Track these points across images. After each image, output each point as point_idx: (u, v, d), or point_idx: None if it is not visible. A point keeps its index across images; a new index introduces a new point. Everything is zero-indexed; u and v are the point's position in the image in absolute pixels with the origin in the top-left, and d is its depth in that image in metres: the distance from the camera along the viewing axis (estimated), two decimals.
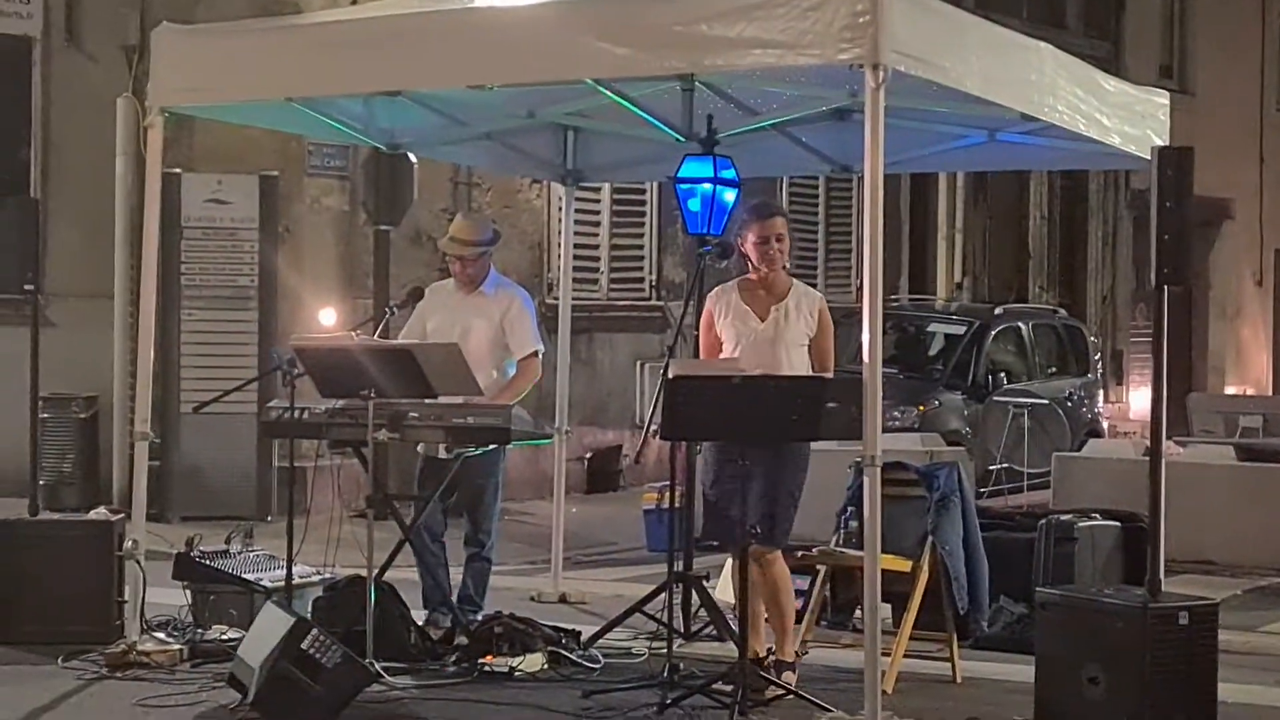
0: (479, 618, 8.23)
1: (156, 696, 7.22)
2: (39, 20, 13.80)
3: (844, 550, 7.94)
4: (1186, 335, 23.99)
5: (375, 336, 8.31)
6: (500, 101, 8.68)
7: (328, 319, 9.36)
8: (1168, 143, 8.27)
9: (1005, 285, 21.56)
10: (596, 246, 16.12)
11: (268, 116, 9.00)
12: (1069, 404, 16.77)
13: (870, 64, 6.56)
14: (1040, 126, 8.14)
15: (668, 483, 8.89)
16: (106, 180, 13.14)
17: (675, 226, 15.69)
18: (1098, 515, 9.18)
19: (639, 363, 16.30)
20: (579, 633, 8.25)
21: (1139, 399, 22.45)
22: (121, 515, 8.60)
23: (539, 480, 13.36)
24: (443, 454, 8.10)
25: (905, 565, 7.68)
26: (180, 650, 7.85)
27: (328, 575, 8.32)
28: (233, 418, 11.81)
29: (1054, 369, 17.63)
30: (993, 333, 16.75)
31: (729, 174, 8.64)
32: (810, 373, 7.57)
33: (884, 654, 7.12)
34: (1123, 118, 8.34)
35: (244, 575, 8.32)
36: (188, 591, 8.31)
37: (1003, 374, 16.35)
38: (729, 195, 8.63)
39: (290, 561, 7.86)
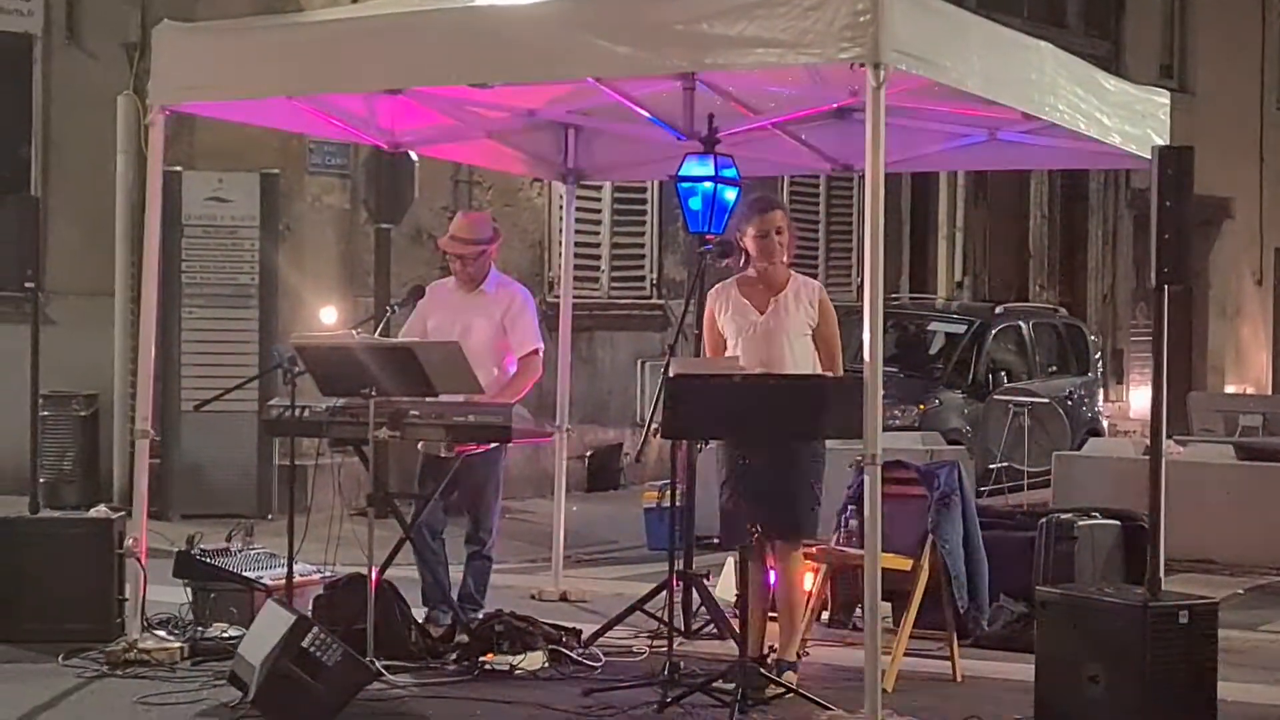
0: (479, 616, 8.23)
1: (157, 694, 7.22)
2: (40, 18, 13.80)
3: (844, 549, 7.94)
4: (1186, 334, 24.00)
5: (376, 335, 8.31)
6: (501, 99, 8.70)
7: (328, 317, 9.37)
8: (1168, 142, 8.27)
9: (1006, 284, 21.56)
10: (597, 245, 16.12)
11: (269, 114, 8.99)
12: (1069, 403, 16.77)
13: (871, 63, 6.56)
14: (1041, 126, 8.15)
15: (668, 481, 8.89)
16: (107, 178, 13.14)
17: (676, 225, 15.69)
18: (1098, 514, 9.18)
19: (640, 361, 16.29)
20: (579, 631, 8.25)
21: (1139, 398, 22.45)
22: (122, 513, 8.60)
23: (540, 478, 13.36)
24: (443, 452, 8.10)
25: (905, 564, 7.68)
26: (181, 648, 7.85)
27: (328, 573, 8.32)
28: (233, 416, 11.82)
29: (1054, 368, 17.63)
30: (993, 332, 16.75)
31: (730, 173, 8.65)
32: (815, 363, 7.59)
33: (884, 653, 7.12)
34: (1123, 117, 8.34)
35: (244, 573, 8.32)
36: (188, 589, 8.31)
37: (1003, 373, 16.36)
38: (730, 194, 8.64)
39: (291, 560, 7.86)
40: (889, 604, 7.77)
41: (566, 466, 10.37)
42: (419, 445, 8.33)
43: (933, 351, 17.05)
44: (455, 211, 12.27)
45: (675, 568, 8.18)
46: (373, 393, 7.57)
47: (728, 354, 7.68)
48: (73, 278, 13.00)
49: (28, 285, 8.57)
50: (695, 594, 8.51)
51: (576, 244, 11.76)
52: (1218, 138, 21.20)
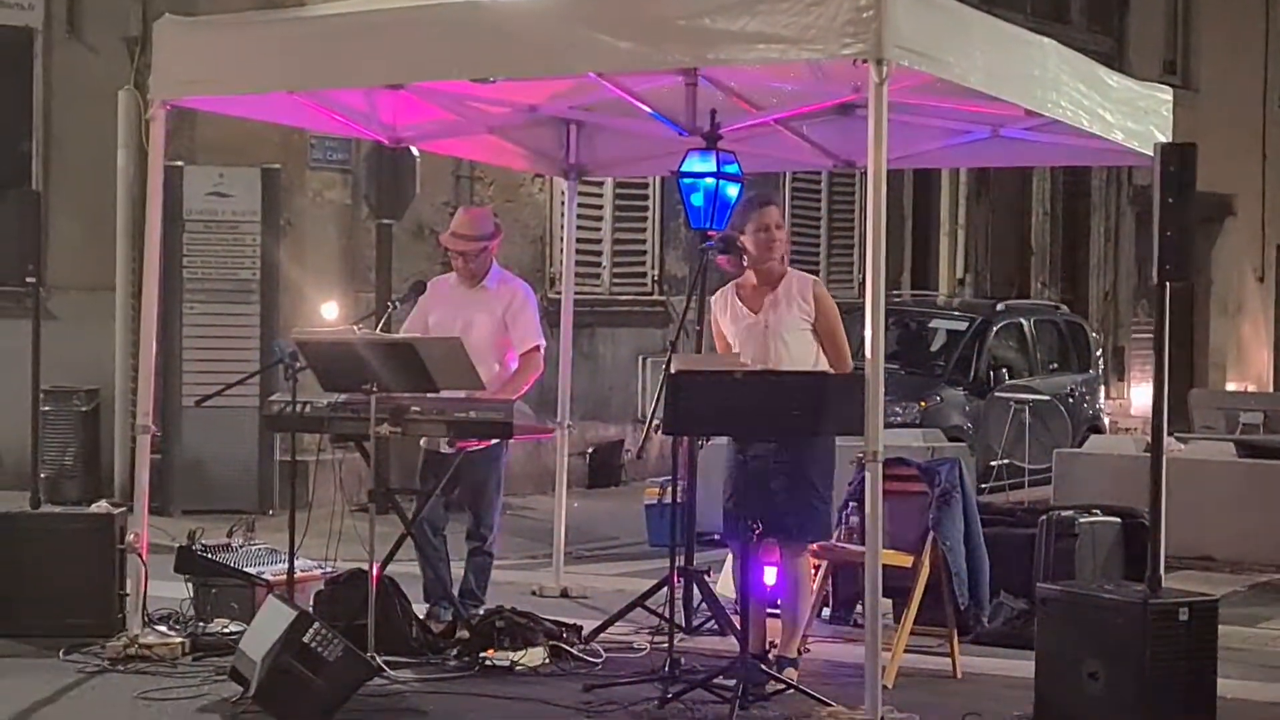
0: (480, 612, 8.23)
1: (158, 690, 7.22)
2: (40, 12, 13.79)
3: (845, 545, 7.94)
4: (1188, 331, 24.00)
5: (377, 330, 8.31)
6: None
7: (330, 313, 9.37)
8: (1170, 139, 8.26)
9: (1007, 281, 21.56)
10: (599, 241, 16.12)
11: (270, 109, 8.99)
12: (1070, 400, 16.77)
13: (874, 59, 6.56)
14: (1043, 122, 8.14)
15: (669, 478, 8.89)
16: (108, 173, 13.14)
17: (678, 221, 15.69)
18: (1098, 511, 9.18)
19: (641, 357, 16.29)
20: (580, 627, 8.25)
21: (1140, 395, 22.46)
22: (123, 508, 8.61)
23: (541, 475, 13.36)
24: (445, 448, 8.10)
25: (906, 561, 7.68)
26: (182, 643, 7.84)
27: (329, 569, 8.32)
28: (234, 411, 11.81)
29: (1055, 365, 17.63)
30: (994, 328, 16.75)
31: (732, 168, 8.65)
32: (817, 358, 7.57)
33: (885, 649, 7.13)
34: (1126, 114, 8.33)
35: (246, 569, 8.32)
36: (189, 585, 8.31)
37: (1004, 370, 16.35)
38: (732, 190, 8.64)
39: (292, 555, 7.86)
40: (890, 600, 7.77)
41: (568, 463, 10.37)
42: (420, 441, 8.33)
43: (934, 348, 17.05)
44: (456, 207, 12.28)
45: (676, 564, 8.18)
46: (374, 388, 7.57)
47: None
48: (74, 273, 13.00)
49: (29, 280, 8.57)
50: (696, 590, 8.51)
51: (578, 240, 11.74)
52: (1220, 134, 21.18)
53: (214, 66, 7.99)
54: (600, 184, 15.62)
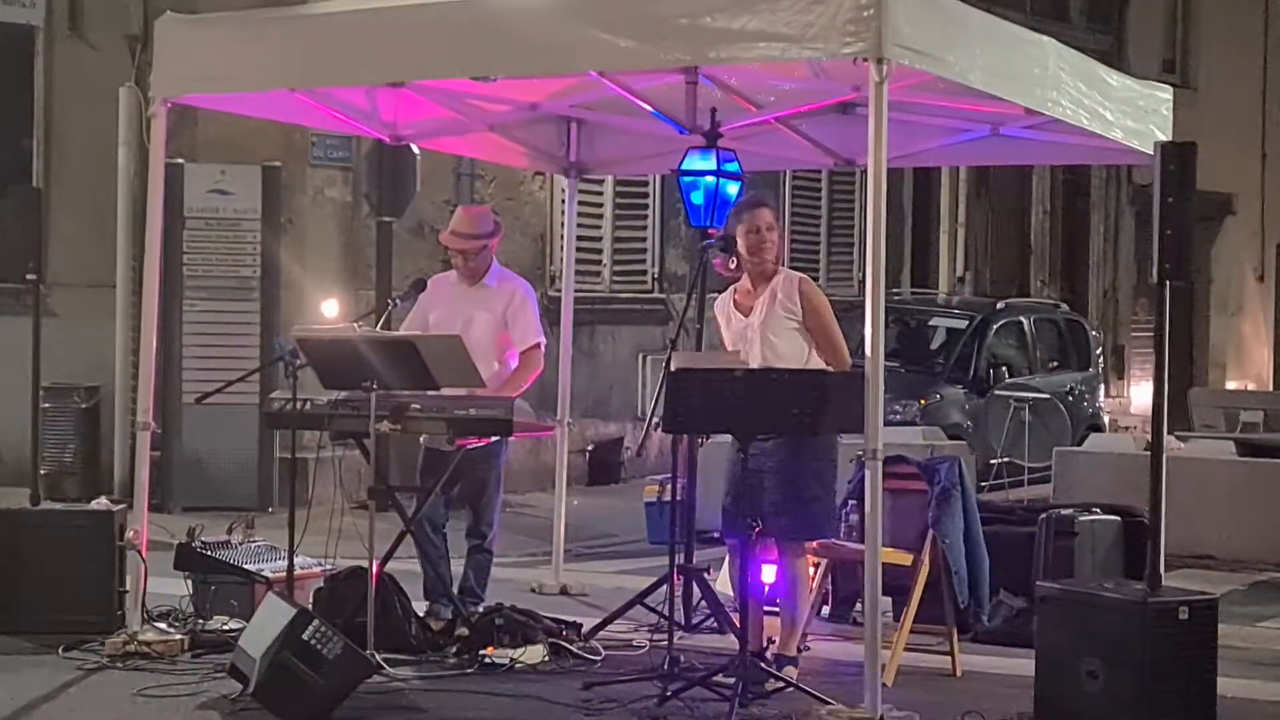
0: (480, 609, 8.23)
1: (157, 686, 7.22)
2: (42, 9, 13.78)
3: (845, 543, 7.94)
4: (1188, 330, 24.01)
5: (377, 328, 8.31)
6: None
7: (330, 310, 9.36)
8: (1170, 137, 8.27)
9: (1007, 279, 21.57)
10: (599, 239, 16.12)
11: (271, 107, 8.99)
12: (1070, 398, 16.77)
13: (874, 58, 6.57)
14: (1043, 121, 8.14)
15: (669, 475, 8.89)
16: (109, 170, 13.14)
17: (678, 219, 15.70)
18: (1098, 510, 9.18)
19: (641, 355, 16.30)
20: (580, 625, 8.26)
21: (1140, 394, 22.46)
22: (123, 505, 8.60)
23: (540, 472, 13.36)
24: (445, 446, 8.10)
25: (906, 559, 7.68)
26: (181, 640, 7.85)
27: (329, 566, 8.32)
28: (235, 409, 11.81)
29: (1055, 363, 17.64)
30: (994, 327, 16.76)
31: (732, 167, 8.65)
32: (808, 356, 7.56)
33: (884, 647, 7.13)
34: (1125, 112, 8.34)
35: (245, 566, 8.33)
36: (189, 582, 8.32)
37: (1004, 368, 16.37)
38: (732, 188, 8.64)
39: (291, 552, 7.87)
40: (889, 599, 7.78)
41: (567, 460, 10.38)
42: (420, 439, 8.33)
43: (934, 346, 17.06)
44: (457, 205, 12.29)
45: (676, 562, 8.18)
46: (374, 386, 7.57)
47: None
48: (74, 270, 13.00)
49: (29, 277, 8.57)
50: (695, 588, 8.51)
51: (578, 238, 11.74)
52: (1220, 133, 21.18)
53: (215, 64, 7.99)
54: (600, 182, 15.62)
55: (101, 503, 8.79)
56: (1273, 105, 25.73)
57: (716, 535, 8.56)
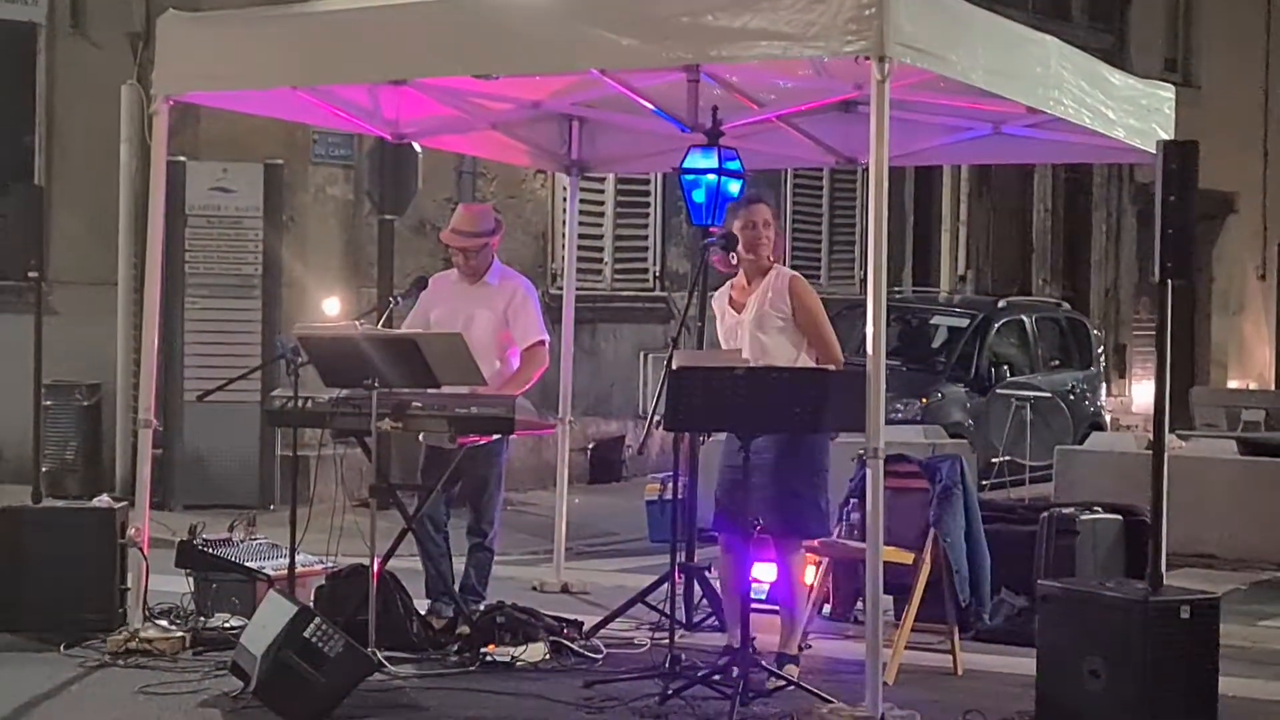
0: (481, 607, 8.24)
1: (159, 684, 7.23)
2: (44, 7, 13.79)
3: (846, 542, 7.94)
4: (1189, 329, 24.00)
5: (379, 326, 8.31)
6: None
7: (332, 308, 9.37)
8: (1172, 136, 8.27)
9: (1009, 278, 21.55)
10: (601, 237, 16.12)
11: (273, 104, 8.99)
12: (1071, 397, 16.78)
13: (875, 56, 6.57)
14: (1045, 120, 8.14)
15: (670, 474, 8.90)
16: (111, 167, 13.14)
17: (679, 217, 15.69)
18: (1100, 508, 9.17)
19: (642, 353, 16.29)
20: (581, 623, 8.26)
21: (1141, 392, 22.45)
22: (124, 503, 8.60)
23: (542, 470, 13.36)
24: (446, 444, 8.10)
25: (907, 558, 7.68)
26: (183, 638, 7.85)
27: (330, 564, 8.32)
28: (236, 406, 11.82)
29: (1057, 362, 17.64)
30: (996, 325, 16.76)
31: (734, 165, 8.66)
32: (798, 354, 7.54)
33: (886, 646, 7.13)
34: (1128, 111, 8.34)
35: (247, 564, 8.33)
36: (190, 579, 8.32)
37: (1005, 367, 16.36)
38: (734, 186, 8.65)
39: (293, 550, 7.87)
40: (890, 597, 7.77)
41: (569, 458, 10.38)
42: (421, 437, 8.33)
43: (935, 345, 17.05)
44: (458, 203, 12.28)
45: (677, 560, 8.18)
46: (375, 384, 7.57)
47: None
48: (76, 267, 13.00)
49: (31, 274, 8.58)
50: (697, 586, 8.51)
51: (580, 236, 11.74)
52: (1222, 132, 21.16)
53: (217, 62, 8.00)
54: (602, 180, 15.62)
55: (103, 500, 8.79)
56: (1275, 104, 25.71)
57: (720, 534, 8.56)
